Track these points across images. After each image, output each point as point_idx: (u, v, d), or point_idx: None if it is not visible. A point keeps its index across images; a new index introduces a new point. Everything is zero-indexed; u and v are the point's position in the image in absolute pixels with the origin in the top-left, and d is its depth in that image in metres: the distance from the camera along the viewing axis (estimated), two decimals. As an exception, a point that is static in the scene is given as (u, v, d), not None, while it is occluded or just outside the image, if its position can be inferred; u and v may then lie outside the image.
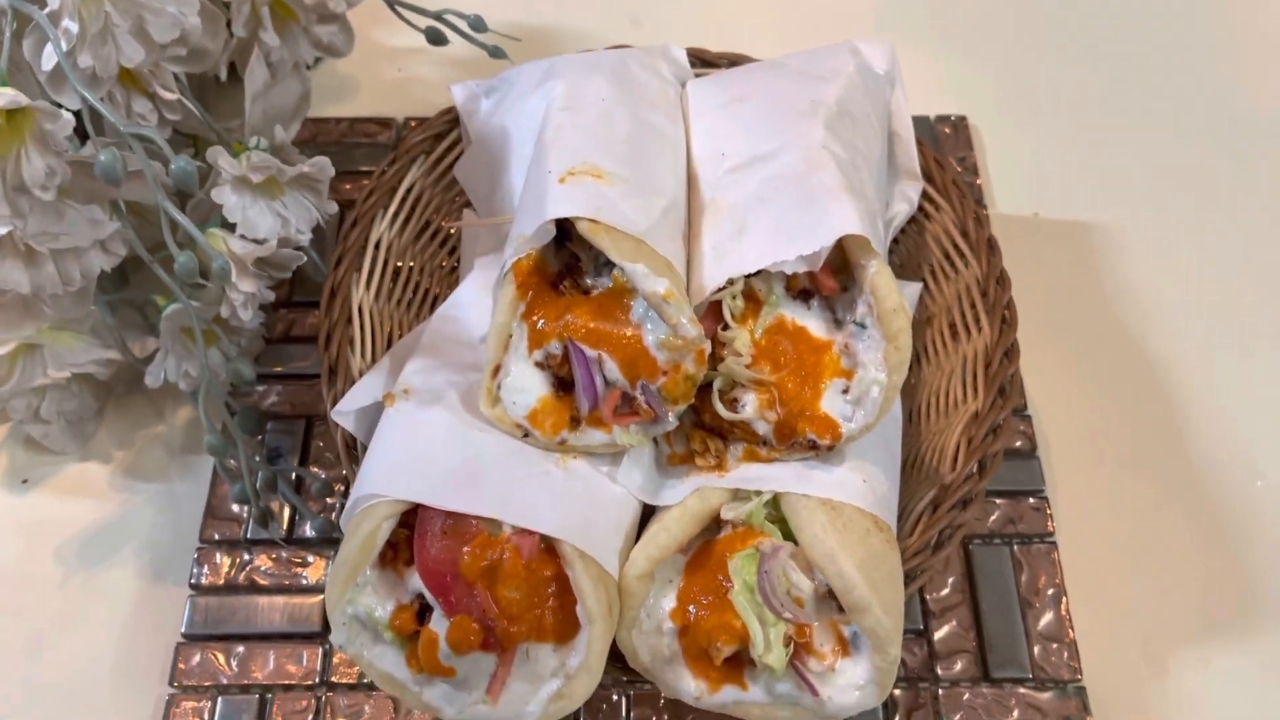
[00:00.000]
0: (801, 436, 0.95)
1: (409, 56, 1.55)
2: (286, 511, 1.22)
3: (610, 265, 0.96)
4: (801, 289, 0.98)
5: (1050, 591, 1.16)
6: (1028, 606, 1.15)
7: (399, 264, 1.20)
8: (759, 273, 0.97)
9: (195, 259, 1.01)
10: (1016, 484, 1.23)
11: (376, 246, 1.17)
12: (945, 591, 1.16)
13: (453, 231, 1.27)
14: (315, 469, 1.24)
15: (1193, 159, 1.49)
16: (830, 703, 0.89)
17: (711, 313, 0.98)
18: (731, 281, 0.96)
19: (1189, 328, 1.33)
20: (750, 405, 0.96)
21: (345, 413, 1.02)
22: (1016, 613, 1.15)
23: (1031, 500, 1.22)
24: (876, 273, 0.92)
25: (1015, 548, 1.19)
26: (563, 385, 0.98)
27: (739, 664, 0.92)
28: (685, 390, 0.95)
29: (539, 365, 0.97)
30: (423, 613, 0.91)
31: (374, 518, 0.89)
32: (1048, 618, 1.14)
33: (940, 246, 1.20)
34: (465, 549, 0.88)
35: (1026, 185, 1.45)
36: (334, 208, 1.18)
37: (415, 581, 0.91)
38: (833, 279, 0.97)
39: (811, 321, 0.97)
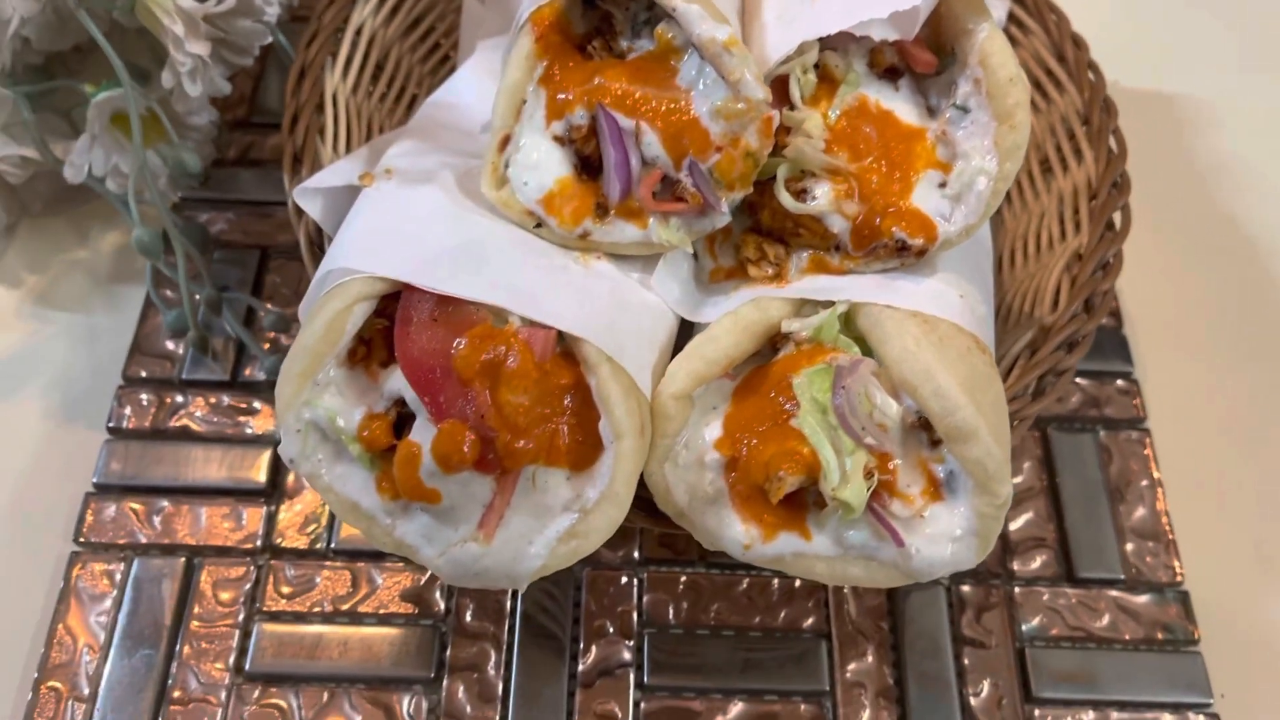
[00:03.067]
0: (887, 237, 0.75)
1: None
2: (232, 352, 1.00)
3: (651, 25, 0.77)
4: (888, 66, 0.79)
5: (1144, 483, 0.98)
6: (1118, 499, 0.97)
7: (381, 59, 1.00)
8: (835, 47, 0.78)
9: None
10: (1102, 362, 1.05)
11: (358, 33, 0.97)
12: (1020, 478, 0.98)
13: (449, 28, 1.07)
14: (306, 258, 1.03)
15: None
16: (918, 555, 0.70)
17: (775, 93, 0.78)
18: (802, 51, 0.77)
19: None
20: (825, 196, 0.76)
21: (312, 191, 0.82)
22: (1104, 506, 0.96)
23: (1119, 383, 1.04)
24: (988, 37, 0.73)
25: (1101, 434, 1.00)
26: (587, 167, 0.78)
27: (800, 507, 0.73)
28: (745, 171, 0.75)
29: (558, 140, 0.77)
30: (400, 426, 0.71)
31: (345, 296, 0.69)
32: (1141, 512, 0.96)
33: (1029, 75, 1.01)
34: (461, 339, 0.68)
35: (1104, 48, 1.24)
36: (311, -20, 0.98)
37: (393, 385, 0.71)
38: (928, 52, 0.78)
39: (900, 105, 0.78)
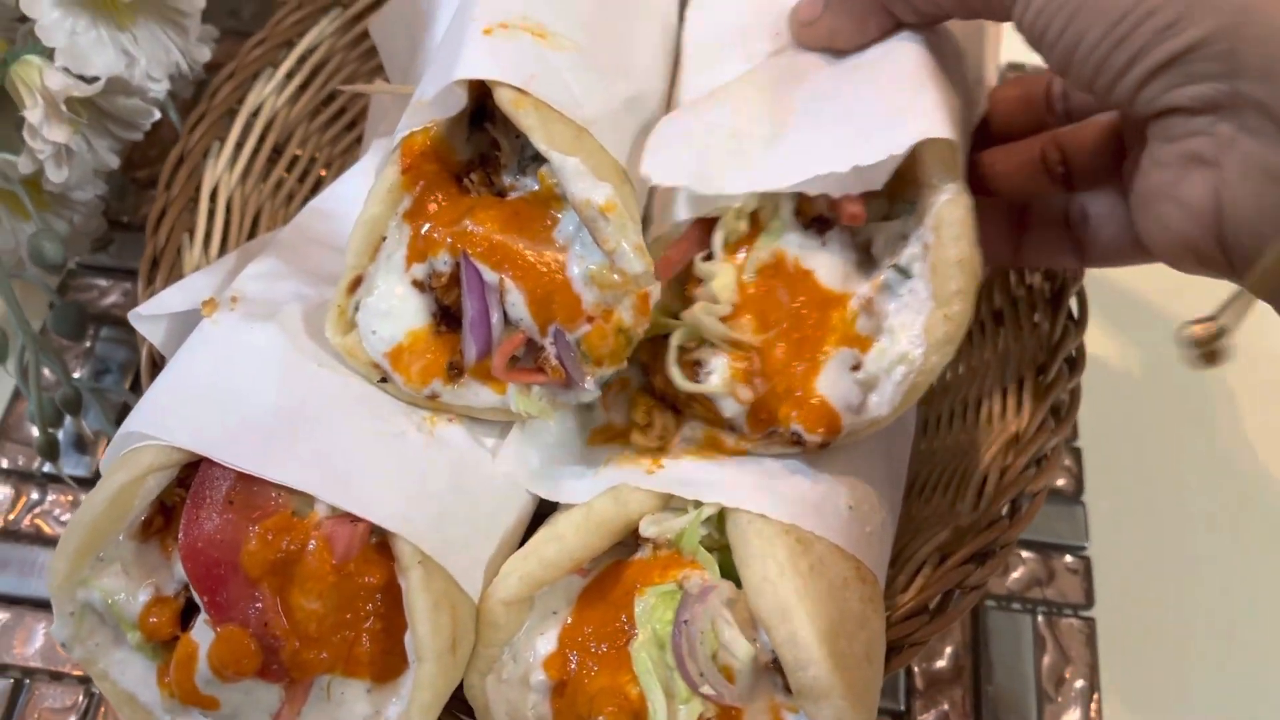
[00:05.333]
0: (783, 425, 0.66)
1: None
2: (101, 446, 0.93)
3: (538, 163, 0.68)
4: (816, 216, 0.67)
5: (1079, 685, 0.87)
6: (1046, 699, 0.87)
7: (282, 141, 0.91)
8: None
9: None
10: (1052, 534, 0.94)
11: (255, 114, 0.89)
12: (941, 663, 0.88)
13: (364, 106, 0.98)
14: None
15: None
16: (756, 824, 0.61)
17: (693, 235, 0.68)
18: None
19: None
20: (719, 375, 0.66)
21: (150, 318, 0.74)
22: (1031, 705, 0.87)
23: (1069, 559, 0.93)
24: (950, 202, 0.62)
25: (1039, 617, 0.90)
26: (446, 318, 0.70)
27: (630, 748, 0.63)
28: (616, 348, 0.66)
29: (417, 285, 0.69)
30: (189, 612, 0.63)
31: (135, 467, 0.62)
32: (1071, 718, 0.85)
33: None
34: (253, 530, 0.60)
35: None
36: (205, 54, 0.90)
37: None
38: (860, 204, 0.65)
39: (823, 263, 0.66)
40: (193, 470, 0.63)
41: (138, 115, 0.87)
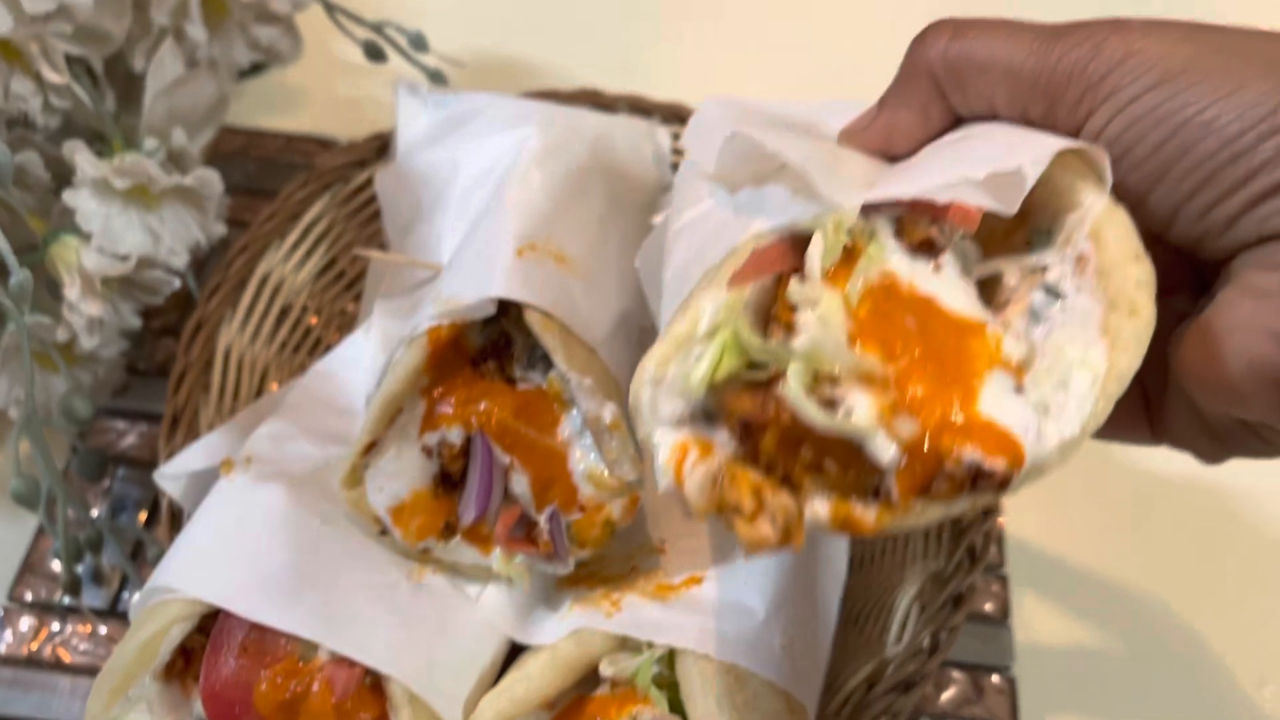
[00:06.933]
0: (951, 463, 0.49)
1: (368, 75, 1.39)
2: (117, 579, 1.02)
3: (546, 362, 0.79)
4: (922, 240, 0.55)
5: (1004, 796, 0.96)
6: (974, 812, 0.95)
7: (288, 303, 1.02)
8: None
9: (30, 280, 0.84)
10: (980, 655, 1.03)
11: (264, 281, 1.00)
12: (877, 780, 0.96)
13: (362, 269, 1.09)
14: (163, 534, 1.05)
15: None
16: None
17: (781, 248, 0.57)
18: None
19: (1229, 473, 1.14)
20: (864, 410, 0.49)
21: (173, 477, 0.84)
22: (960, 818, 0.95)
23: (995, 679, 1.02)
24: (1109, 209, 0.53)
25: (969, 734, 0.99)
26: (445, 480, 0.80)
27: None
28: (600, 536, 0.79)
29: (426, 451, 0.80)
30: (207, 746, 0.72)
31: (162, 619, 0.71)
32: (996, 830, 0.94)
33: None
34: (265, 673, 0.70)
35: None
36: (221, 230, 1.01)
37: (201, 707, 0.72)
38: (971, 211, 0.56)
39: (943, 289, 0.54)
40: (212, 619, 0.73)
41: (161, 284, 0.98)
